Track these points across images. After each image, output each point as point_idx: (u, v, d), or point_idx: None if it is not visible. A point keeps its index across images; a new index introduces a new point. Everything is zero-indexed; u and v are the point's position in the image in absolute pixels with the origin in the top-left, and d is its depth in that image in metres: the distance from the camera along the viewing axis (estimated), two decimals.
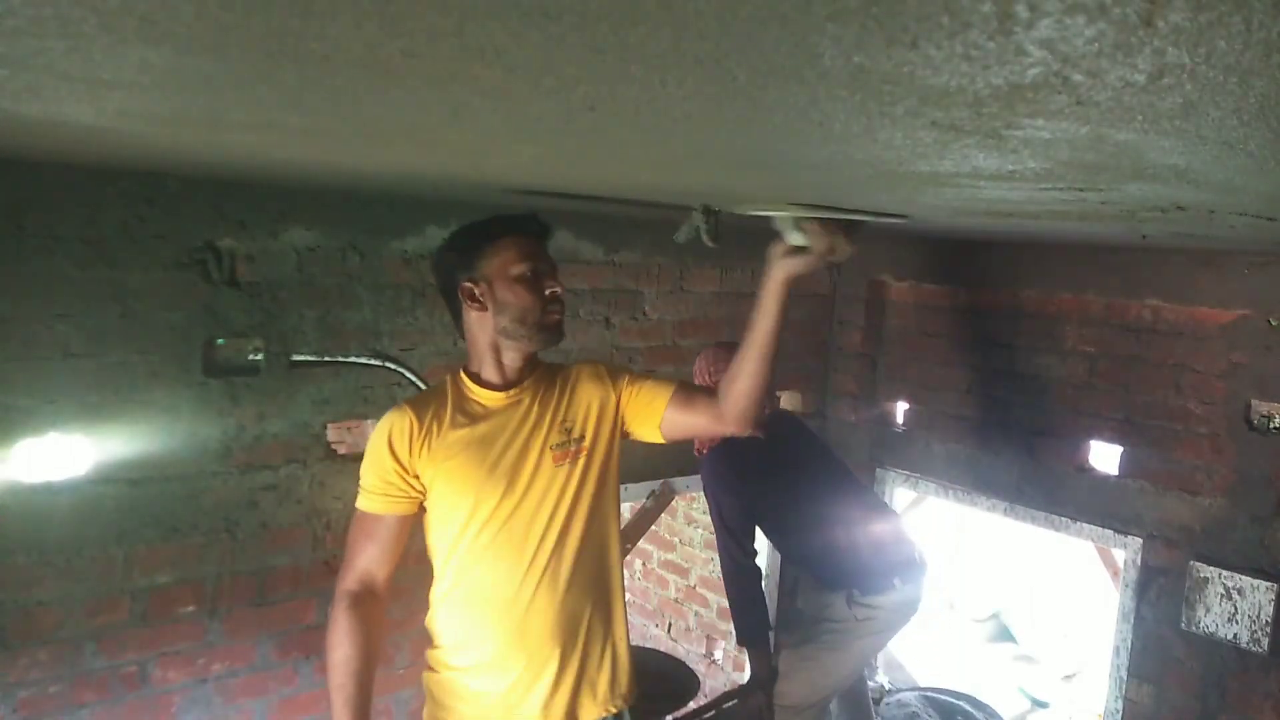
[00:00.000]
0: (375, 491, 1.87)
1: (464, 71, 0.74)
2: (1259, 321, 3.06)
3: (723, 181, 1.76)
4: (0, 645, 2.43)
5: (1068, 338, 3.59)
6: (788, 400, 4.27)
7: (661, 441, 1.98)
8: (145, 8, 0.59)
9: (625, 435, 1.97)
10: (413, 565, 3.14)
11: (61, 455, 2.44)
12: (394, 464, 1.85)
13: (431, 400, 1.90)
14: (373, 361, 2.97)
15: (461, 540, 1.85)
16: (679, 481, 3.89)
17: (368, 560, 1.88)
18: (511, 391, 1.88)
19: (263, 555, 2.83)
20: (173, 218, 2.57)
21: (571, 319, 3.45)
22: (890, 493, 4.36)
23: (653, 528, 4.31)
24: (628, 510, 4.09)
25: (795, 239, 1.74)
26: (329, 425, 2.93)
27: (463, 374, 1.92)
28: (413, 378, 3.05)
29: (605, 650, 1.92)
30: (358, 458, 2.97)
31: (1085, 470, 3.55)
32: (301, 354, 2.83)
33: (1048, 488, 3.64)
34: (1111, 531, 3.45)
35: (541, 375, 1.93)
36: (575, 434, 1.88)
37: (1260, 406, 3.05)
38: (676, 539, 5.37)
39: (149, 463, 2.59)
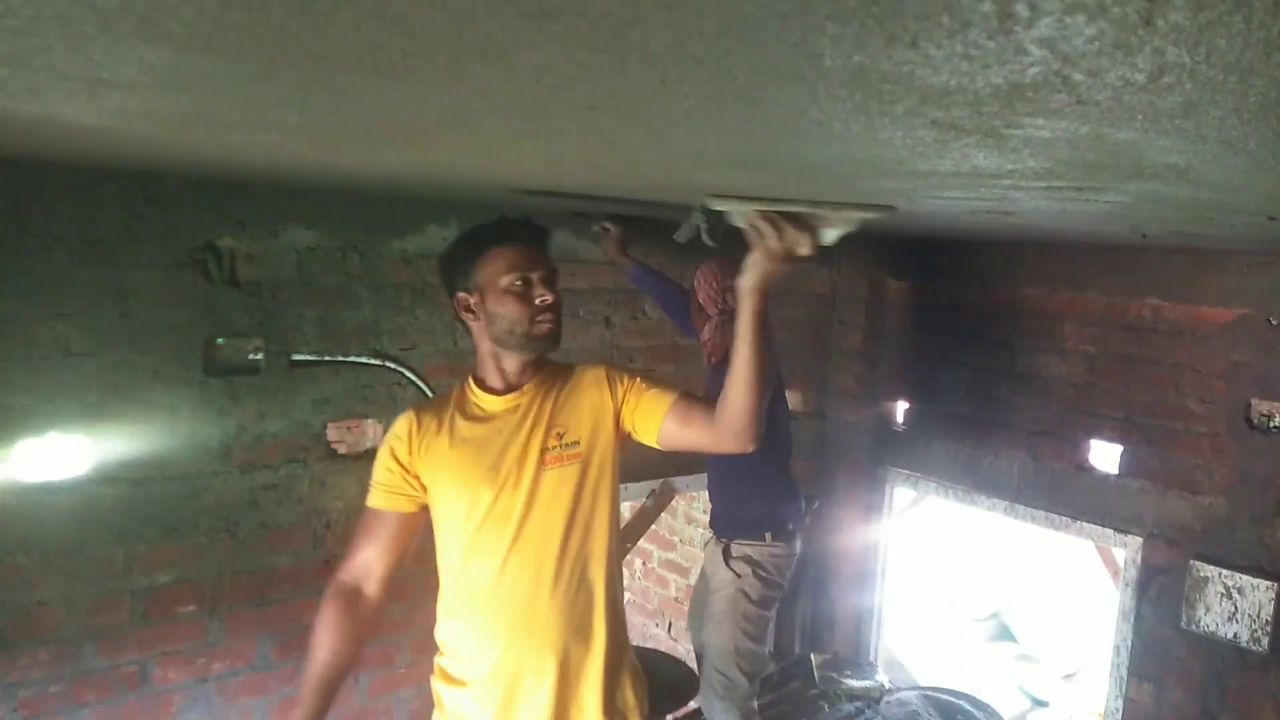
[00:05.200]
0: (379, 488, 1.91)
1: (464, 71, 0.74)
2: (1259, 321, 3.06)
3: (723, 181, 1.76)
4: (0, 645, 2.43)
5: (1068, 337, 3.59)
6: (789, 400, 4.26)
7: (659, 449, 1.97)
8: (145, 7, 0.59)
9: (627, 439, 1.97)
10: (413, 565, 3.15)
11: (62, 455, 2.44)
12: (395, 464, 1.88)
13: (438, 404, 1.94)
14: (373, 361, 2.97)
15: (458, 542, 1.86)
16: (679, 481, 3.89)
17: (367, 554, 1.91)
18: (511, 395, 1.89)
19: (263, 555, 2.83)
20: (173, 218, 2.57)
21: (571, 319, 3.45)
22: (890, 492, 4.36)
23: (653, 527, 4.31)
24: (627, 510, 4.09)
25: (753, 237, 1.68)
26: (329, 425, 2.93)
27: (470, 379, 1.95)
28: (412, 377, 3.05)
29: (603, 664, 1.88)
30: (358, 457, 3.00)
31: (1085, 469, 3.55)
32: (301, 354, 2.83)
33: (1048, 487, 3.65)
34: (1112, 531, 3.45)
35: (545, 378, 1.93)
36: (568, 439, 1.88)
37: (1260, 406, 3.06)
38: (676, 538, 5.37)
39: (149, 462, 2.59)
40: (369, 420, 3.02)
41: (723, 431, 1.82)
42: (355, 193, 2.84)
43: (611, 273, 3.58)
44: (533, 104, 0.89)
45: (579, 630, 1.86)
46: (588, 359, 3.52)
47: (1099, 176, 1.16)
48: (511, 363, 1.88)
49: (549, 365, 1.95)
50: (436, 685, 1.93)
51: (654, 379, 1.98)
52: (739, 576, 3.04)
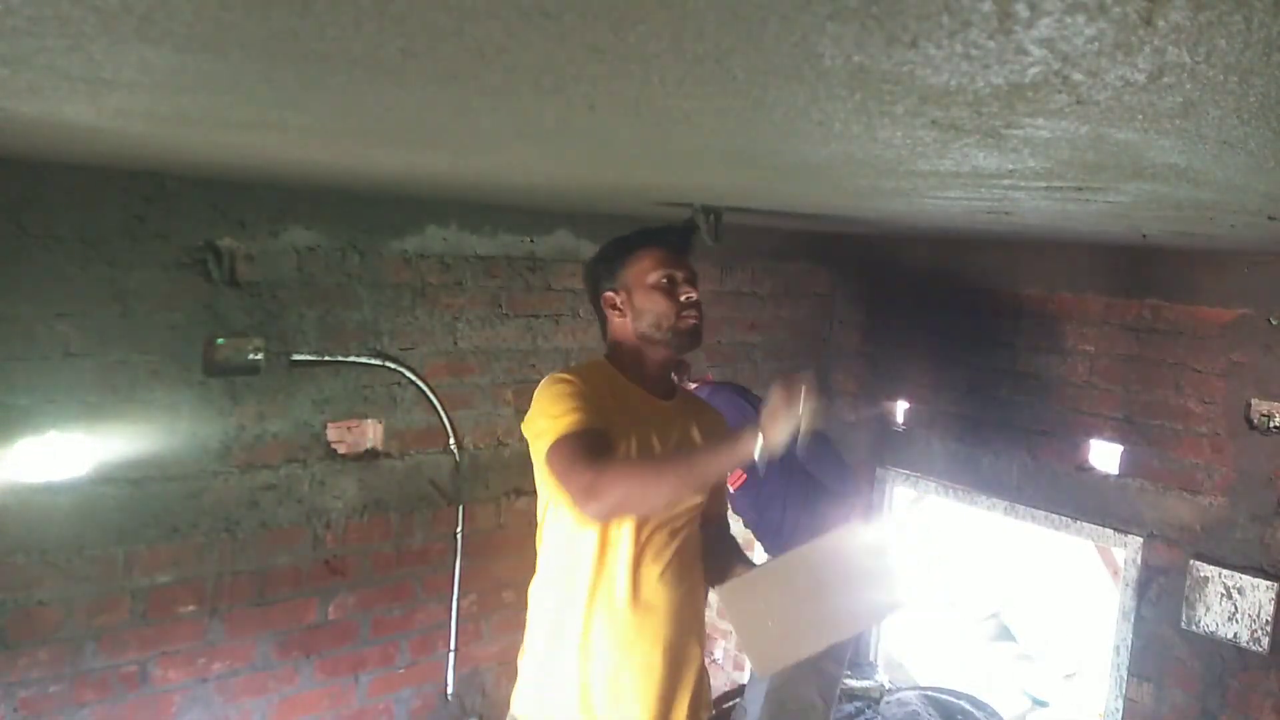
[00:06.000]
0: (588, 410, 1.74)
1: (464, 71, 0.74)
2: (1259, 321, 3.06)
3: (723, 181, 1.76)
4: (1, 645, 2.43)
5: (1068, 337, 3.59)
6: None
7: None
8: (145, 7, 0.59)
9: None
10: (411, 566, 3.15)
11: (62, 455, 2.44)
12: (592, 395, 1.78)
13: (589, 373, 1.89)
14: (373, 361, 2.97)
15: (622, 533, 1.82)
16: None
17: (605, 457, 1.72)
18: (671, 400, 1.98)
19: (263, 555, 2.83)
20: (173, 218, 2.57)
21: (571, 319, 3.45)
22: (890, 492, 4.36)
23: None
24: None
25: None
26: (329, 425, 2.93)
27: (612, 366, 1.95)
28: (412, 377, 3.05)
29: (697, 664, 1.97)
30: (358, 457, 3.00)
31: (1085, 469, 3.55)
32: (301, 354, 2.83)
33: (1048, 487, 3.64)
34: (1111, 531, 3.45)
35: (688, 398, 2.07)
36: None
37: (1260, 406, 3.05)
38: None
39: (149, 462, 2.59)
40: (369, 420, 3.02)
41: (599, 496, 1.68)
42: (355, 193, 2.84)
43: None
44: (533, 104, 0.89)
45: (696, 631, 1.96)
46: (587, 359, 3.52)
47: (1099, 176, 1.16)
48: (654, 363, 1.94)
49: (690, 394, 2.09)
50: (533, 674, 1.92)
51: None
52: None
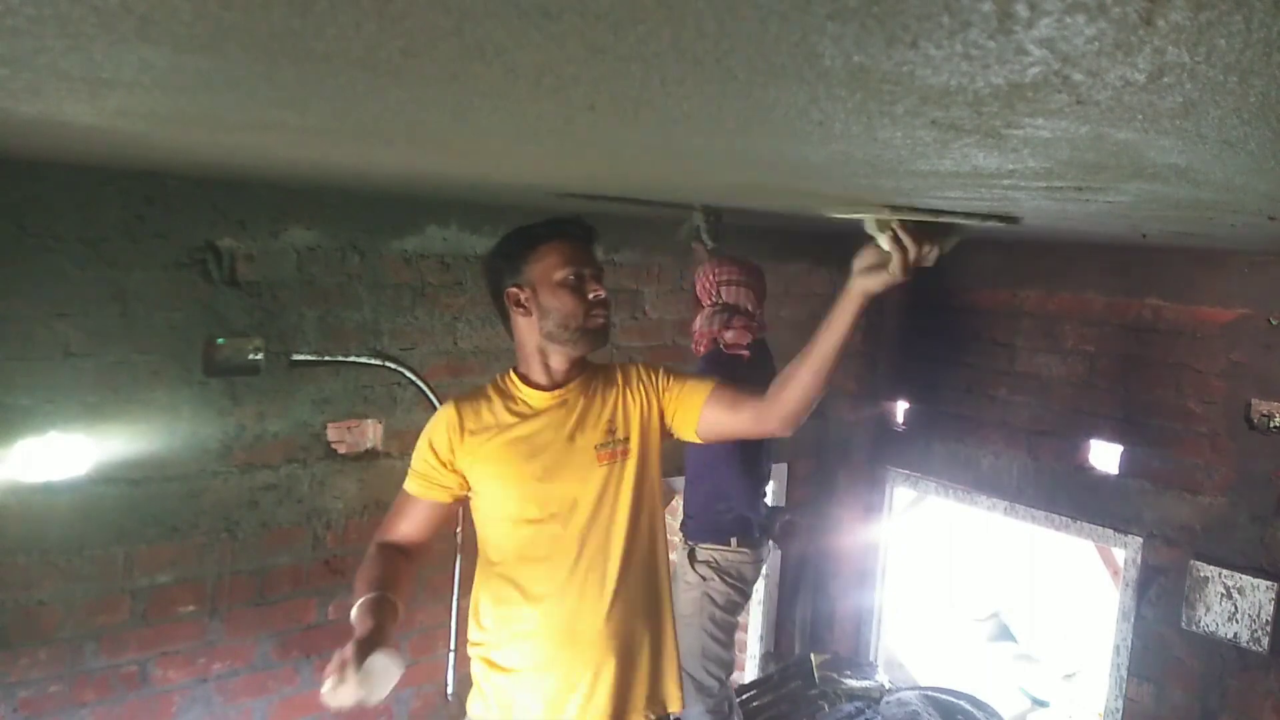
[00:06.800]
0: (417, 476, 1.92)
1: (464, 71, 0.74)
2: (1259, 321, 3.06)
3: (723, 181, 1.76)
4: (1, 645, 2.43)
5: (1068, 337, 3.59)
6: None
7: (699, 441, 1.99)
8: (145, 7, 0.59)
9: (668, 435, 1.99)
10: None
11: (62, 455, 2.44)
12: (434, 458, 1.88)
13: (478, 396, 1.94)
14: (373, 361, 2.97)
15: (513, 538, 1.87)
16: (679, 481, 3.89)
17: (400, 531, 1.93)
18: (558, 392, 1.90)
19: (263, 555, 2.83)
20: (173, 218, 2.57)
21: None
22: (890, 492, 4.36)
23: None
24: None
25: (882, 243, 1.66)
26: (329, 425, 2.93)
27: (512, 374, 1.95)
28: (413, 377, 3.05)
29: (653, 657, 1.93)
30: (358, 457, 3.00)
31: (1085, 469, 3.55)
32: (301, 353, 2.83)
33: (1048, 487, 3.65)
34: (1111, 531, 3.45)
35: (589, 376, 1.96)
36: (619, 434, 1.91)
37: (1260, 406, 3.06)
38: (676, 538, 5.36)
39: (149, 462, 2.59)
40: (369, 420, 3.02)
41: (771, 413, 1.84)
42: (355, 193, 2.84)
43: (611, 272, 3.58)
44: (533, 104, 0.89)
45: (640, 623, 1.91)
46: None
47: (1099, 176, 1.16)
48: (558, 359, 1.89)
49: (590, 364, 1.98)
50: (481, 672, 1.93)
51: (686, 372, 2.02)
52: (704, 580, 3.04)
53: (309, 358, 2.84)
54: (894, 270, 1.68)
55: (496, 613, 1.90)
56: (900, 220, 1.65)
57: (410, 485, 1.92)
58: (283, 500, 2.85)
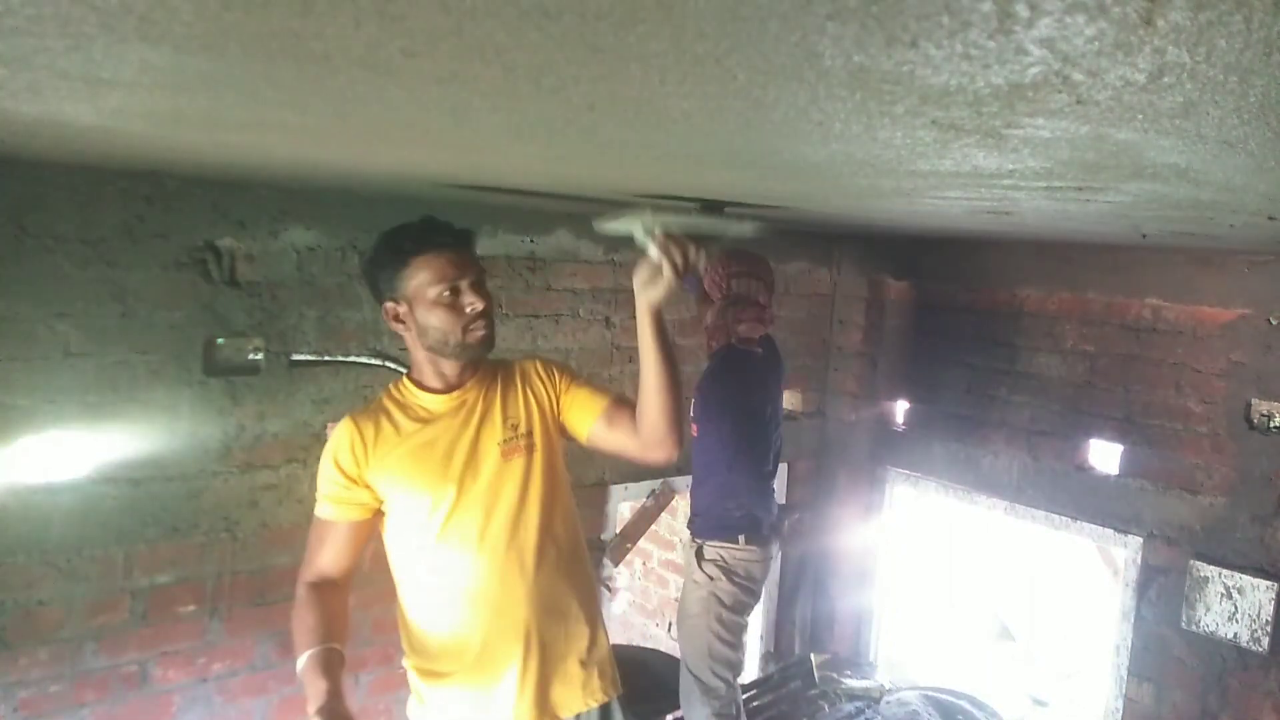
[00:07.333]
0: (327, 499, 1.90)
1: (464, 71, 0.74)
2: (1259, 321, 3.06)
3: (723, 181, 1.76)
4: (1, 645, 2.43)
5: (1068, 337, 3.59)
6: (788, 399, 4.27)
7: (584, 444, 2.00)
8: (145, 7, 0.59)
9: (563, 433, 2.01)
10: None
11: (62, 455, 2.44)
12: (342, 476, 1.86)
13: (373, 411, 1.92)
14: (372, 361, 2.97)
15: (423, 542, 1.88)
16: (679, 481, 3.89)
17: (324, 562, 1.93)
18: (455, 394, 1.90)
19: (263, 555, 2.83)
20: (173, 218, 2.57)
21: (571, 319, 3.45)
22: (890, 492, 4.36)
23: (653, 527, 4.31)
24: (627, 510, 4.09)
25: (651, 253, 1.69)
26: (329, 425, 2.92)
27: (406, 380, 1.95)
28: None
29: (581, 642, 1.95)
30: None
31: (1085, 469, 3.55)
32: (301, 353, 2.83)
33: (1048, 487, 3.65)
34: (1111, 530, 3.45)
35: (485, 374, 1.95)
36: (521, 429, 1.92)
37: (1260, 405, 3.06)
38: (676, 539, 5.37)
39: (149, 462, 2.59)
40: None
41: (644, 441, 1.87)
42: (355, 193, 2.83)
43: (611, 272, 3.58)
44: (533, 104, 0.89)
45: (559, 614, 1.92)
46: (587, 359, 3.53)
47: (1099, 176, 1.16)
48: (449, 366, 1.89)
49: (487, 361, 1.97)
50: (416, 680, 1.96)
51: (591, 380, 2.04)
52: (711, 579, 3.03)
53: (309, 358, 2.84)
54: (668, 277, 1.70)
55: (420, 621, 1.92)
56: (662, 230, 1.68)
57: (324, 511, 1.89)
58: (283, 500, 2.85)
